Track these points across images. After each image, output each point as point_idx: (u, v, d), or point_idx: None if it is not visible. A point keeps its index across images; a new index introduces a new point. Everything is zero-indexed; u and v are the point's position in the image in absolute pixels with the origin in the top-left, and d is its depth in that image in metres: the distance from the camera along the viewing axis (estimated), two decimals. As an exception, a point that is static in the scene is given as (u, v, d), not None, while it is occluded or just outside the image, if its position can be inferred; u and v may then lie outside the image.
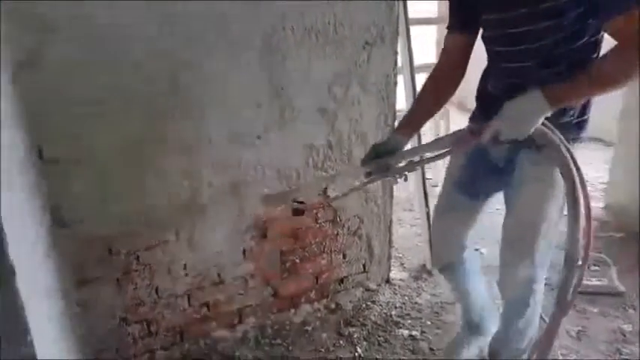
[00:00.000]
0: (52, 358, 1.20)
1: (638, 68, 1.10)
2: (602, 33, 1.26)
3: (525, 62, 1.34)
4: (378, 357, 2.04)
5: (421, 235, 2.88)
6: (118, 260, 1.88)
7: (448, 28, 1.52)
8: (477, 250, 2.16)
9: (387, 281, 2.57)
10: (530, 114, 1.20)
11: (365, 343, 2.13)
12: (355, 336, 2.17)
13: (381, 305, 2.39)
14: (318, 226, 2.29)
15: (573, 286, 1.24)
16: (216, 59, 1.84)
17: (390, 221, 2.49)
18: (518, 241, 1.50)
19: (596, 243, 3.00)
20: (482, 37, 1.48)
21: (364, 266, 2.49)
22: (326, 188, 2.22)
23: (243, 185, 2.04)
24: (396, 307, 2.37)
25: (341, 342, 2.15)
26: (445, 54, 1.56)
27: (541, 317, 1.67)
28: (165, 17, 1.71)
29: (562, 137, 1.24)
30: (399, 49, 2.25)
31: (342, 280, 2.45)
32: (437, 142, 1.49)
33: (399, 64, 2.30)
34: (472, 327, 1.90)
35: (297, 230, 2.25)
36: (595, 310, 2.32)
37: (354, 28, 2.05)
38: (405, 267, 2.71)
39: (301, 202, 2.18)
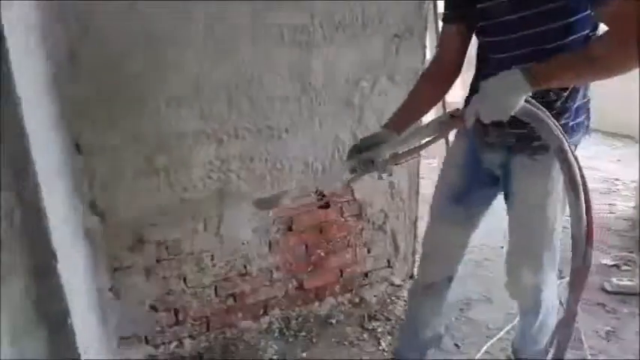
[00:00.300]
0: (88, 343, 1.24)
1: (633, 55, 1.02)
2: (596, 31, 1.21)
3: (516, 51, 1.27)
4: (402, 352, 2.04)
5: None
6: (149, 250, 1.92)
7: (443, 19, 1.44)
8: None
9: (412, 277, 2.56)
10: (507, 92, 1.10)
11: (389, 337, 2.13)
12: (379, 330, 2.18)
13: (405, 300, 2.38)
14: (343, 220, 2.30)
15: (584, 268, 1.16)
16: (244, 53, 1.86)
17: (416, 217, 2.48)
18: (523, 248, 1.45)
19: (628, 243, 2.93)
20: (476, 30, 1.41)
21: (389, 261, 2.49)
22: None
23: (270, 177, 2.06)
24: (420, 303, 2.36)
25: (365, 336, 2.16)
26: (441, 47, 1.50)
27: (560, 303, 1.64)
28: (199, 14, 1.73)
29: (551, 116, 1.16)
30: (427, 43, 2.23)
31: (366, 275, 2.46)
32: (419, 132, 1.35)
33: (427, 57, 2.27)
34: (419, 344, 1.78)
35: (323, 224, 2.26)
36: (625, 311, 2.27)
37: (383, 22, 2.04)
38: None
39: (323, 196, 2.20)
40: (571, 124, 1.32)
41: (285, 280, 2.26)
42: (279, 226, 2.16)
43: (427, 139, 1.33)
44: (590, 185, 1.13)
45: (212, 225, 2.01)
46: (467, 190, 1.53)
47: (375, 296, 2.42)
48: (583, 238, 1.12)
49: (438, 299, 1.68)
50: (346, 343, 2.11)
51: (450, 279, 1.66)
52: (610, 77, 1.10)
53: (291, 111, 2.01)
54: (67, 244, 1.27)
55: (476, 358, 1.98)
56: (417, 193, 2.44)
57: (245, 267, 2.14)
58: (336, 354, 2.04)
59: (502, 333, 2.13)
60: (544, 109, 1.15)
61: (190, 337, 2.12)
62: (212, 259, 2.05)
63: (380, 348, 2.06)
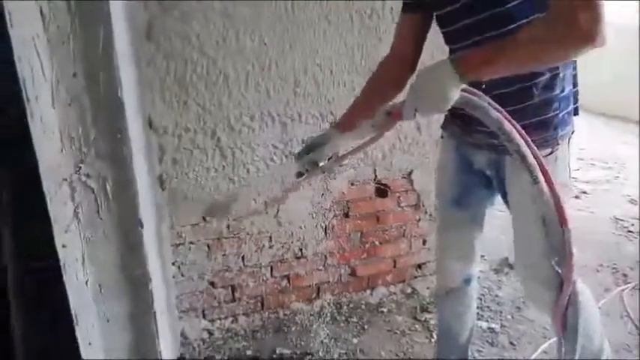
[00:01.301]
0: (162, 309, 1.31)
1: (570, 37, 0.94)
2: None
3: (466, 41, 1.20)
4: (455, 345, 2.02)
5: (503, 227, 2.78)
6: (211, 227, 1.99)
7: (402, 9, 1.38)
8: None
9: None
10: (437, 84, 1.02)
11: (441, 330, 2.11)
12: (432, 322, 2.16)
13: (458, 294, 2.35)
14: (400, 209, 2.28)
15: (567, 250, 1.12)
16: (313, 39, 1.87)
17: (474, 210, 2.43)
18: (529, 252, 1.35)
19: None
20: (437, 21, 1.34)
21: (443, 254, 2.45)
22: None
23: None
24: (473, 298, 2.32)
25: (416, 327, 2.15)
26: (395, 39, 1.42)
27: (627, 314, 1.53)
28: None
29: (491, 101, 1.08)
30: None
31: (420, 266, 2.44)
32: (358, 132, 1.31)
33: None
34: None
35: (380, 212, 2.26)
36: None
37: (454, 9, 2.00)
38: (485, 259, 2.64)
39: (384, 185, 2.20)
40: (561, 114, 1.22)
41: (339, 265, 2.28)
42: (335, 211, 2.17)
43: (367, 139, 1.29)
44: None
45: (272, 207, 2.05)
46: (464, 194, 1.48)
47: (427, 288, 2.40)
48: (556, 220, 1.09)
49: (461, 302, 1.64)
50: (397, 332, 2.11)
51: (467, 281, 1.61)
52: (545, 62, 1.04)
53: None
54: (146, 217, 1.33)
55: (532, 357, 1.93)
56: (477, 186, 2.38)
57: (301, 250, 2.17)
58: (386, 342, 2.05)
59: (560, 335, 2.06)
60: (482, 95, 1.08)
61: (245, 314, 2.18)
62: (270, 240, 2.10)
63: (432, 340, 2.05)
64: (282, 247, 2.14)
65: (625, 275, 2.50)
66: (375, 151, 2.13)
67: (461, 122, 1.34)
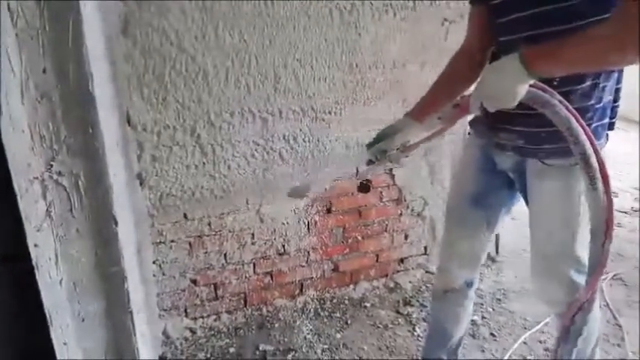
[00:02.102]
0: (138, 308, 1.29)
1: (636, 39, 0.90)
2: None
3: (521, 34, 1.17)
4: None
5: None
6: (192, 225, 1.97)
7: (470, 2, 1.36)
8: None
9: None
10: (505, 80, 1.03)
11: (424, 323, 2.13)
12: (414, 316, 2.18)
13: (440, 288, 2.37)
14: (382, 204, 2.29)
15: (601, 260, 1.08)
16: (293, 34, 1.86)
17: (455, 205, 2.45)
18: (545, 255, 1.35)
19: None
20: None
21: (426, 248, 2.48)
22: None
23: (312, 159, 2.07)
24: (456, 292, 2.34)
25: (399, 320, 2.16)
26: (468, 31, 1.40)
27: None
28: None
29: (562, 99, 1.07)
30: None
31: (402, 261, 2.45)
32: (426, 123, 1.34)
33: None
34: None
35: (362, 208, 2.26)
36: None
37: (434, 5, 2.01)
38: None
39: (367, 181, 2.20)
40: (594, 125, 1.18)
41: (322, 261, 2.28)
42: (318, 207, 2.17)
43: (434, 130, 1.30)
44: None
45: (253, 203, 2.04)
46: (484, 193, 1.45)
47: (410, 282, 2.41)
48: (602, 230, 1.05)
49: (460, 303, 1.62)
50: (380, 326, 2.12)
51: (469, 284, 1.59)
52: (614, 64, 1.03)
53: (336, 92, 2.01)
54: (122, 215, 1.32)
55: (512, 347, 1.96)
56: (458, 181, 2.40)
57: (283, 247, 2.17)
58: (369, 336, 2.06)
59: (540, 325, 2.10)
60: (553, 92, 1.06)
61: (228, 312, 2.17)
62: (252, 237, 2.09)
63: (415, 334, 2.07)
64: (265, 243, 2.14)
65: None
66: (357, 147, 2.14)
67: (490, 121, 1.30)
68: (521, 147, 1.26)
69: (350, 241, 2.30)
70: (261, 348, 1.98)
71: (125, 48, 1.66)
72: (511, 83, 1.02)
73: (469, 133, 1.50)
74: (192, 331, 2.08)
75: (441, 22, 2.04)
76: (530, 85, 1.03)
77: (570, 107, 1.05)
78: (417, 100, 2.11)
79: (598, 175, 1.03)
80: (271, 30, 1.83)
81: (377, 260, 2.40)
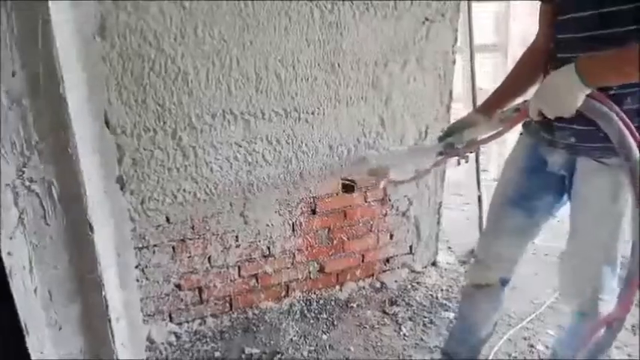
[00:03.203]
0: (119, 314, 1.27)
1: None
2: None
3: (581, 53, 1.17)
4: (423, 337, 2.04)
5: (469, 219, 2.83)
6: (175, 229, 1.95)
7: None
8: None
9: (434, 264, 2.55)
10: (563, 89, 1.06)
11: (410, 322, 2.13)
12: (400, 315, 2.18)
13: (426, 287, 2.38)
14: (367, 204, 2.29)
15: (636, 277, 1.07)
16: (274, 33, 1.84)
17: (440, 204, 2.46)
18: (581, 256, 1.35)
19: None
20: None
21: (411, 248, 2.48)
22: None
23: (295, 160, 2.06)
24: (442, 290, 2.35)
25: (385, 320, 2.16)
26: (540, 27, 1.41)
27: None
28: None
29: (619, 110, 1.07)
30: (458, 27, 2.19)
31: (387, 260, 2.45)
32: (490, 122, 1.38)
33: (459, 42, 2.23)
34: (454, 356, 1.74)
35: (347, 208, 2.26)
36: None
37: (414, 4, 2.01)
38: (452, 251, 2.68)
39: (352, 181, 2.20)
40: (635, 108, 1.17)
41: (307, 262, 2.27)
42: (302, 208, 2.16)
43: (496, 131, 1.34)
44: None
45: (237, 206, 2.02)
46: (529, 195, 1.44)
47: (395, 282, 2.42)
48: None
49: (492, 301, 1.62)
50: (367, 326, 2.12)
51: (504, 282, 1.58)
52: None
53: (319, 93, 2.00)
54: (100, 220, 1.29)
55: (497, 345, 1.97)
56: (443, 180, 2.41)
57: (268, 248, 2.15)
58: (355, 337, 2.05)
59: (525, 322, 2.11)
60: (612, 104, 1.07)
61: (213, 315, 2.15)
62: (236, 240, 2.07)
63: (401, 333, 2.06)
64: (250, 246, 2.12)
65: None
66: (341, 147, 2.13)
67: (545, 119, 1.26)
68: (574, 145, 1.26)
69: (335, 241, 2.29)
70: (247, 351, 1.96)
71: (102, 49, 1.63)
72: (567, 93, 1.05)
73: (521, 134, 1.49)
74: (177, 336, 2.05)
75: (422, 21, 2.05)
76: (589, 95, 1.05)
77: (628, 121, 1.06)
78: (399, 99, 2.14)
79: None
80: (252, 30, 1.81)
81: (362, 260, 2.39)
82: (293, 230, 2.18)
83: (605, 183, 1.24)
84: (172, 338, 2.04)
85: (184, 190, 1.91)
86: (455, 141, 1.45)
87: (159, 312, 2.04)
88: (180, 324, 2.09)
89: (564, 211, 1.44)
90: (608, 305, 1.36)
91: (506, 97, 1.46)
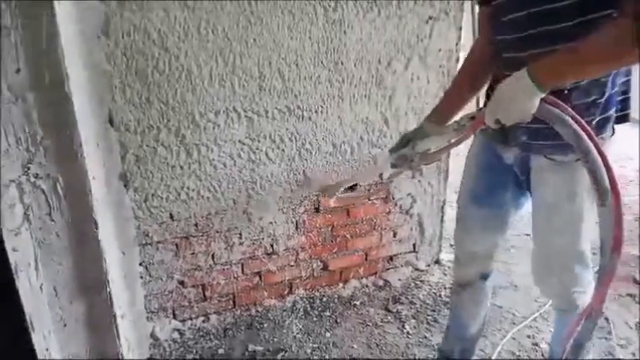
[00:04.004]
0: (123, 312, 1.27)
1: (632, 42, 0.92)
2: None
3: (524, 52, 1.17)
4: (426, 335, 2.04)
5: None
6: (178, 226, 1.95)
7: (478, 2, 1.35)
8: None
9: (437, 262, 2.55)
10: (518, 96, 1.04)
11: (413, 320, 2.13)
12: (404, 313, 2.18)
13: (430, 285, 2.37)
14: (370, 202, 2.29)
15: (609, 274, 1.09)
16: (277, 32, 1.84)
17: (444, 201, 2.45)
18: (547, 252, 1.36)
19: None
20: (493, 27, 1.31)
21: (414, 246, 2.48)
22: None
23: (299, 158, 2.06)
24: (445, 288, 2.35)
25: (389, 318, 2.16)
26: (479, 30, 1.41)
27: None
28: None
29: (574, 113, 1.07)
30: (462, 25, 2.18)
31: (391, 258, 2.45)
32: (443, 133, 1.33)
33: (462, 40, 2.23)
34: (451, 357, 1.75)
35: (350, 206, 2.26)
36: (657, 303, 2.22)
37: (418, 2, 2.00)
38: (453, 248, 2.67)
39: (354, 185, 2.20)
40: (596, 120, 1.18)
41: (310, 260, 2.27)
42: (306, 206, 2.16)
43: (453, 140, 1.29)
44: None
45: (240, 203, 2.02)
46: (491, 191, 1.45)
47: (399, 280, 2.42)
48: (609, 245, 1.05)
49: (476, 296, 1.64)
50: (370, 324, 2.12)
51: (484, 276, 1.61)
52: (623, 64, 1.03)
53: (322, 91, 2.00)
54: (104, 217, 1.29)
55: (501, 343, 1.96)
56: (446, 177, 2.41)
57: (272, 246, 2.16)
58: (359, 335, 2.05)
59: (528, 320, 2.11)
60: (566, 107, 1.06)
61: (216, 313, 2.15)
62: (240, 237, 2.08)
63: (404, 331, 2.07)
64: (253, 243, 2.12)
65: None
66: (344, 145, 2.13)
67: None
68: (525, 143, 1.26)
69: (339, 239, 2.29)
70: (250, 348, 1.97)
71: (106, 48, 1.64)
72: (522, 99, 1.04)
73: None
74: (181, 333, 2.06)
75: (425, 19, 2.04)
76: (542, 100, 1.04)
77: (583, 122, 1.05)
78: (402, 97, 2.13)
79: (608, 192, 1.03)
80: (255, 28, 1.81)
81: (366, 258, 2.39)
82: (296, 228, 2.18)
83: (559, 180, 1.25)
84: (176, 335, 2.05)
85: (188, 188, 1.91)
86: (407, 153, 1.38)
87: (162, 309, 2.05)
88: (183, 321, 2.10)
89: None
90: (586, 297, 1.38)
91: (456, 103, 1.43)
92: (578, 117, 1.05)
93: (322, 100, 2.01)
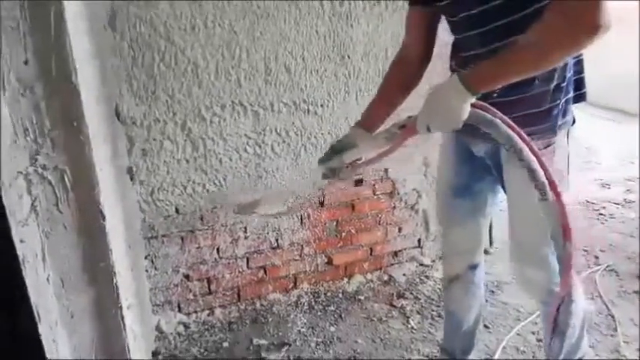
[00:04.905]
0: (130, 302, 1.28)
1: (570, 38, 0.94)
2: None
3: (481, 49, 1.17)
4: (431, 330, 2.04)
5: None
6: (184, 219, 1.96)
7: (409, 2, 1.32)
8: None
9: (442, 258, 2.54)
10: (448, 102, 1.04)
11: (418, 316, 2.13)
12: (408, 308, 2.18)
13: (434, 281, 2.37)
14: (375, 197, 2.29)
15: (567, 260, 1.10)
16: (284, 25, 1.84)
17: (449, 197, 2.45)
18: (523, 242, 1.36)
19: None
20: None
21: (419, 241, 2.48)
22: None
23: (304, 152, 2.06)
24: (450, 284, 2.34)
25: (393, 313, 2.16)
26: (407, 33, 1.37)
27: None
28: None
29: (502, 115, 1.08)
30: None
31: (396, 254, 2.45)
32: (373, 141, 1.28)
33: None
34: (453, 353, 1.73)
35: (355, 201, 2.25)
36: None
37: (425, -5, 1.99)
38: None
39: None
40: (560, 104, 1.20)
41: (315, 255, 2.27)
42: (311, 200, 2.16)
43: (383, 150, 1.25)
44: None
45: (246, 197, 2.03)
46: (466, 183, 1.45)
47: (404, 275, 2.41)
48: (560, 234, 1.07)
49: (467, 287, 1.62)
50: (374, 319, 2.12)
51: (473, 267, 1.59)
52: (555, 62, 1.03)
53: (328, 85, 1.99)
54: (110, 210, 1.30)
55: (506, 339, 1.96)
56: (451, 173, 2.40)
57: (277, 240, 2.16)
58: (363, 329, 2.05)
59: (533, 317, 2.10)
60: (494, 110, 1.07)
61: (221, 306, 2.16)
62: (245, 231, 2.08)
63: (409, 326, 2.06)
64: (258, 237, 2.12)
65: (597, 257, 2.56)
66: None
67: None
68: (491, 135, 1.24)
69: (344, 234, 2.29)
70: (255, 342, 1.98)
71: (113, 41, 1.64)
72: (454, 106, 1.03)
73: None
74: (186, 326, 2.07)
75: (433, 13, 2.03)
76: (472, 105, 1.04)
77: (511, 123, 1.06)
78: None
79: (546, 185, 1.05)
80: (261, 22, 1.81)
81: (371, 253, 2.39)
82: (301, 222, 2.18)
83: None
84: (181, 328, 2.06)
85: (194, 182, 1.92)
86: (336, 165, 1.32)
87: (168, 302, 2.06)
88: (188, 314, 2.11)
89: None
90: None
91: (386, 109, 1.39)
92: (506, 118, 1.06)
93: (328, 94, 2.00)
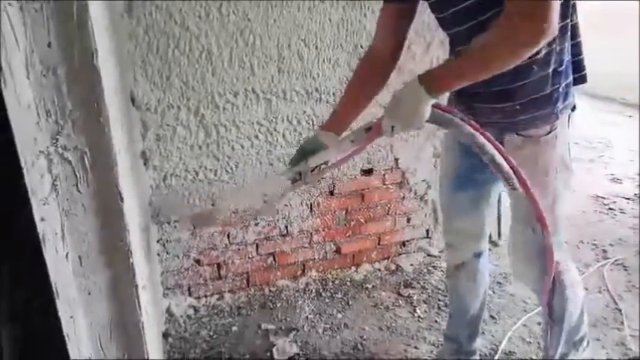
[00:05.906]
0: (145, 283, 1.31)
1: (525, 36, 0.97)
2: None
3: (462, 26, 1.18)
4: (437, 320, 2.06)
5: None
6: (196, 205, 1.98)
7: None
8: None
9: (446, 245, 2.55)
10: (409, 104, 1.07)
11: (425, 305, 2.15)
12: (415, 298, 2.20)
13: (442, 271, 2.38)
14: (385, 187, 2.30)
15: (548, 252, 1.19)
16: (297, 13, 1.85)
17: (458, 188, 2.45)
18: (522, 245, 1.36)
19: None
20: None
21: (427, 231, 2.49)
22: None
23: (316, 141, 2.07)
24: (457, 274, 2.36)
25: (400, 302, 2.18)
26: (377, 30, 1.37)
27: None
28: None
29: (462, 115, 1.12)
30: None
31: (404, 244, 2.47)
32: (340, 144, 1.30)
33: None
34: (458, 341, 1.74)
35: (365, 190, 2.27)
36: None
37: (439, -15, 1.98)
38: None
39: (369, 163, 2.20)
40: (560, 88, 1.21)
41: (324, 243, 2.29)
42: (321, 189, 2.18)
43: (349, 152, 1.28)
44: None
45: (257, 184, 2.05)
46: (469, 173, 1.45)
47: (411, 265, 2.43)
48: (537, 223, 1.13)
49: (472, 274, 1.63)
50: (381, 307, 2.15)
51: (478, 255, 1.60)
52: (509, 63, 1.02)
53: (341, 74, 2.00)
54: (126, 192, 1.33)
55: (512, 330, 1.98)
56: (461, 164, 2.40)
57: (286, 228, 2.19)
58: (370, 317, 2.08)
59: (539, 308, 2.11)
60: (455, 111, 1.13)
61: (230, 291, 2.20)
62: (255, 218, 2.10)
63: (415, 315, 2.09)
64: (268, 224, 2.15)
65: (605, 251, 2.56)
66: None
67: (466, 100, 1.31)
68: (498, 122, 1.27)
69: (352, 223, 2.31)
70: (263, 327, 2.01)
71: (129, 27, 1.66)
72: (415, 107, 1.07)
73: None
74: (196, 310, 2.11)
75: (447, 3, 2.02)
76: (433, 106, 1.08)
77: (471, 121, 1.12)
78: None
79: (512, 176, 1.11)
80: (275, 9, 1.82)
81: (379, 243, 2.41)
82: (311, 210, 2.20)
83: (533, 155, 1.27)
84: (191, 312, 2.10)
85: (205, 168, 1.94)
86: (301, 169, 1.34)
87: (178, 286, 2.09)
88: (198, 298, 2.14)
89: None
90: (570, 274, 1.40)
91: (354, 110, 1.41)
92: (466, 117, 1.12)
93: (340, 83, 2.01)
